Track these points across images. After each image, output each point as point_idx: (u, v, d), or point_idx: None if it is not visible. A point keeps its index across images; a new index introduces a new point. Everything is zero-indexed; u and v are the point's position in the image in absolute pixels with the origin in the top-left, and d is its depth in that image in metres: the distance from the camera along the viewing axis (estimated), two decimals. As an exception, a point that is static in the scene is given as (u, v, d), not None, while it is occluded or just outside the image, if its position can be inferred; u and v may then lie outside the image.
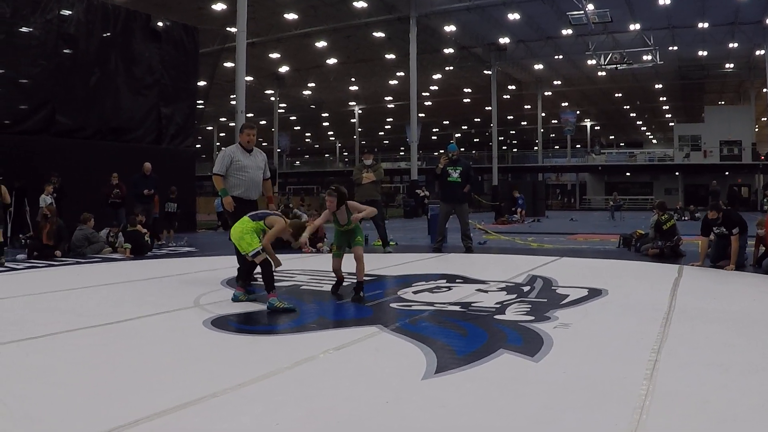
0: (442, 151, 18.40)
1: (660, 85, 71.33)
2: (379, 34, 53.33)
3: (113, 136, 25.52)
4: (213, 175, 11.65)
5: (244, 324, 8.23)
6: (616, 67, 50.29)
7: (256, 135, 11.88)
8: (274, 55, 59.49)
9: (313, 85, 72.75)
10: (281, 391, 5.30)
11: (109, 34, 26.00)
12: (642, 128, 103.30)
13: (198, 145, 50.93)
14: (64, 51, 24.41)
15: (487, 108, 71.15)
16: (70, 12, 24.45)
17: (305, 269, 13.63)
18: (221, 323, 8.04)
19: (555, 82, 74.40)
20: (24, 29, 23.02)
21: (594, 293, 10.11)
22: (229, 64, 45.96)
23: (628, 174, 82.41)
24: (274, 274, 9.30)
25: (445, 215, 18.27)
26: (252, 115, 68.90)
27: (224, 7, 43.27)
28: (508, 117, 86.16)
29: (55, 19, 23.80)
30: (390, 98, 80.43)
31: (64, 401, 5.03)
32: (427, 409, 4.79)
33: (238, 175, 11.43)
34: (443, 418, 4.59)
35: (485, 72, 65.78)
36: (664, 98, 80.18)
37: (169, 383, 5.50)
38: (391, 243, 18.71)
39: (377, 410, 4.78)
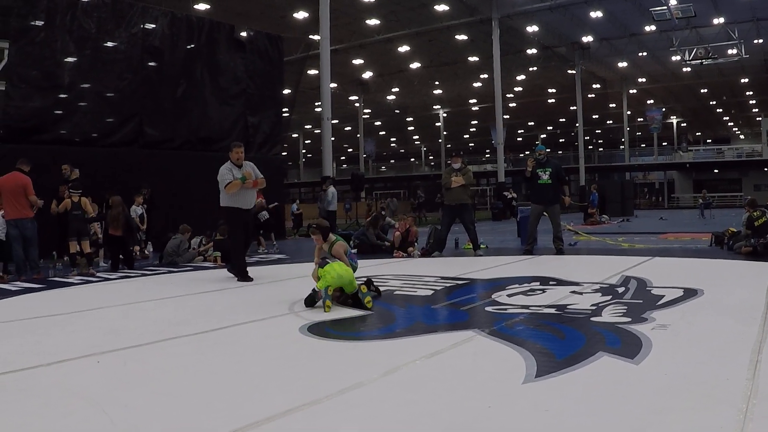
0: (528, 153, 18.25)
1: (746, 80, 70.00)
2: (462, 37, 53.26)
3: (201, 146, 25.76)
4: (227, 185, 13.36)
5: (341, 330, 8.22)
6: (701, 63, 49.57)
7: (243, 152, 13.98)
8: (358, 61, 59.78)
9: (397, 89, 72.89)
10: (383, 396, 5.28)
11: (193, 45, 26.29)
12: (729, 124, 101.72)
13: (284, 153, 51.12)
14: (150, 64, 24.76)
15: (572, 107, 70.68)
16: (155, 25, 24.77)
17: (398, 274, 13.61)
18: (318, 330, 8.02)
19: (640, 80, 73.61)
20: (109, 44, 23.37)
21: (690, 293, 9.88)
22: (313, 72, 46.25)
23: (716, 171, 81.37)
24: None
25: (536, 217, 18.19)
26: (337, 121, 69.02)
27: (306, 15, 43.47)
28: (594, 116, 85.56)
29: (140, 32, 24.14)
30: (474, 100, 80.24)
31: (164, 409, 5.08)
32: (531, 413, 4.73)
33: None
34: (548, 422, 4.54)
35: (569, 71, 65.34)
36: (751, 92, 78.64)
37: (270, 390, 5.51)
38: (482, 246, 18.66)
39: (480, 415, 4.72)
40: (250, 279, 13.45)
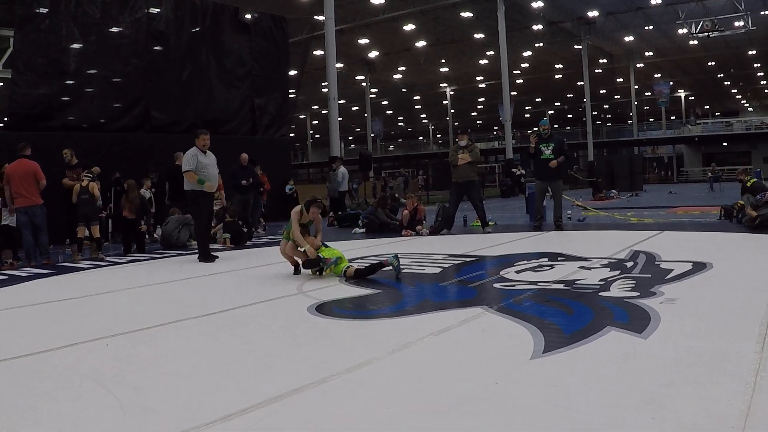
0: (535, 129, 18.28)
1: (753, 52, 69.64)
2: (467, 14, 53.03)
3: (208, 128, 25.68)
4: (186, 172, 14.36)
5: (349, 309, 8.24)
6: (708, 35, 49.52)
7: (209, 139, 14.73)
8: (363, 41, 59.60)
9: (403, 68, 72.81)
10: (390, 374, 5.29)
11: (198, 28, 26.31)
12: (737, 96, 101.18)
13: (292, 134, 51.23)
14: (155, 48, 24.77)
15: (579, 83, 70.71)
16: (159, 10, 24.79)
17: (406, 252, 13.59)
18: (325, 309, 8.05)
19: (646, 54, 73.35)
20: (114, 29, 23.39)
21: (699, 267, 9.84)
22: (318, 52, 46.25)
23: (725, 144, 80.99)
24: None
25: (541, 193, 18.13)
26: (344, 101, 69.05)
27: (310, -5, 43.41)
28: (601, 91, 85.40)
29: (144, 17, 24.16)
30: (481, 78, 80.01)
31: (173, 391, 5.11)
32: (538, 388, 4.74)
33: (201, 171, 14.26)
34: (555, 397, 4.54)
35: (575, 47, 65.24)
36: (759, 64, 78.16)
37: (278, 370, 5.53)
38: (490, 223, 18.62)
39: (487, 391, 4.73)
40: (212, 259, 14.17)
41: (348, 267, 10.62)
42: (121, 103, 23.59)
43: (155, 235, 19.92)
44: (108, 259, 15.52)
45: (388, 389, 4.88)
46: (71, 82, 22.21)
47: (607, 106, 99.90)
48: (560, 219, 17.81)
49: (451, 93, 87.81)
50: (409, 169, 75.26)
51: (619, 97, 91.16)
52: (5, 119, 21.62)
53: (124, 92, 23.67)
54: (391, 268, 10.35)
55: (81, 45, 22.36)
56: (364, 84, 74.55)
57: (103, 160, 19.98)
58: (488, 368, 5.30)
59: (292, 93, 35.31)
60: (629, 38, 65.04)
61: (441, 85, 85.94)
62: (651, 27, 59.33)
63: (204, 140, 14.56)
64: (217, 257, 14.46)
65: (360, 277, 10.34)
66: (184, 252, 16.34)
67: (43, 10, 21.25)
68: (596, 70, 73.28)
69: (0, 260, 15.13)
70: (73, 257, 15.81)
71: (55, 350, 6.51)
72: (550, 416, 4.20)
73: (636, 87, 78.75)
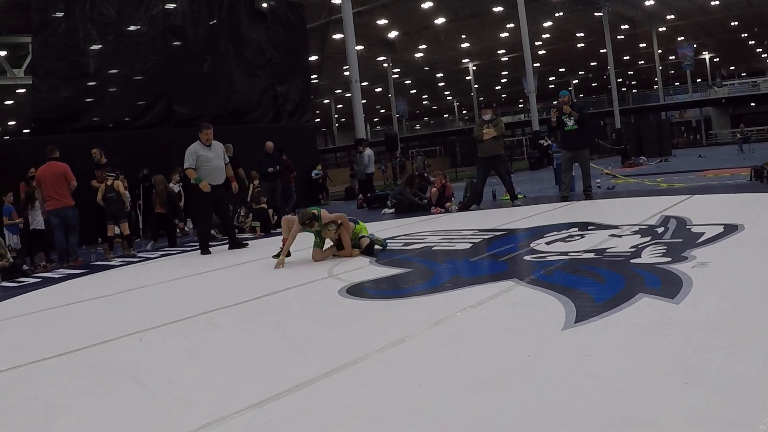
0: (557, 101, 18.27)
1: (776, 9, 69.00)
2: (484, -13, 52.78)
3: (232, 119, 25.85)
4: (186, 169, 14.73)
5: (380, 289, 8.23)
6: (729, -6, 48.96)
7: (212, 133, 14.89)
8: (382, 22, 59.29)
9: (424, 46, 72.49)
10: (422, 352, 5.28)
11: (215, 20, 26.41)
12: (762, 56, 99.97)
13: (317, 119, 51.09)
14: (174, 43, 24.97)
15: (602, 51, 70.18)
16: (175, 5, 24.89)
17: (435, 230, 13.60)
18: (357, 291, 8.06)
19: (668, 17, 72.48)
20: (131, 28, 23.65)
21: (730, 229, 9.68)
22: (338, 36, 46.09)
23: (752, 104, 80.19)
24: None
25: (567, 162, 18.03)
26: (367, 83, 68.75)
27: (326, -20, 43.30)
28: (625, 57, 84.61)
29: (161, 13, 24.33)
30: (503, 51, 79.45)
31: (207, 381, 5.14)
32: (571, 358, 4.71)
33: (204, 165, 14.58)
34: (588, 366, 4.50)
35: (596, 14, 64.65)
36: (783, 21, 77.51)
37: (310, 354, 5.56)
38: (519, 196, 18.58)
39: (520, 364, 4.70)
40: (207, 252, 14.58)
41: (362, 237, 11.31)
42: (144, 100, 23.83)
43: (186, 229, 20.02)
44: (139, 255, 15.66)
45: (420, 367, 4.87)
46: (93, 83, 22.44)
47: (632, 73, 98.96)
48: (589, 188, 17.72)
49: (474, 68, 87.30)
50: (424, 150, 75.00)
51: (643, 62, 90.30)
52: (31, 124, 21.77)
53: (146, 89, 23.88)
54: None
55: (100, 46, 22.59)
56: (385, 65, 74.29)
57: (129, 158, 20.14)
58: (520, 341, 5.28)
59: (314, 78, 35.33)
60: (650, 2, 64.36)
61: (463, 60, 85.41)
62: (671, -11, 58.81)
63: (207, 134, 14.78)
64: (246, 245, 15.02)
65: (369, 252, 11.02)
66: (214, 243, 16.37)
67: (59, 14, 21.40)
68: (618, 37, 72.65)
69: (33, 263, 15.29)
70: (105, 256, 15.92)
71: (89, 348, 6.57)
72: (583, 386, 4.17)
73: (659, 51, 77.94)
